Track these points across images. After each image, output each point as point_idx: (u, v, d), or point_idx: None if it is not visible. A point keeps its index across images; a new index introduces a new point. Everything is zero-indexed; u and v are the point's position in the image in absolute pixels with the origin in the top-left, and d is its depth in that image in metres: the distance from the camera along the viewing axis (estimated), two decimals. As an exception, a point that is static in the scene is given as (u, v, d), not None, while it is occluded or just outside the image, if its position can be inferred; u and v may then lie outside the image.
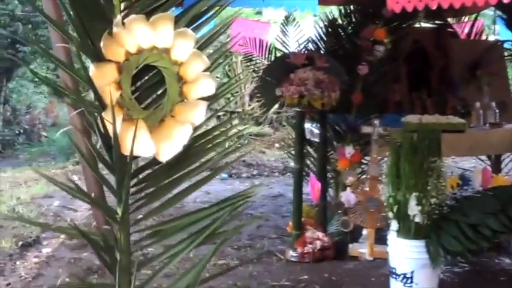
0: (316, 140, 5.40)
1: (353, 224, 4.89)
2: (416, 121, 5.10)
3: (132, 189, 1.84)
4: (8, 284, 4.29)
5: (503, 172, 6.58)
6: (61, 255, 4.84)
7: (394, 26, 5.45)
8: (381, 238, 4.84)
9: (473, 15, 7.14)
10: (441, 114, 5.51)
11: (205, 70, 1.84)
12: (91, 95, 1.73)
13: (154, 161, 1.82)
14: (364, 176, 5.31)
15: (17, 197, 6.72)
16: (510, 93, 6.55)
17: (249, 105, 11.78)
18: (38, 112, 12.81)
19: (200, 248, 1.91)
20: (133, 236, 1.85)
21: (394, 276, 4.07)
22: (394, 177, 4.07)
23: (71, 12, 1.63)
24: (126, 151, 1.69)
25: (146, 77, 1.85)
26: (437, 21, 6.52)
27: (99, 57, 1.69)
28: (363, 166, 5.67)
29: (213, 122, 12.07)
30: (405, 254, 4.04)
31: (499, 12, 7.01)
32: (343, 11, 5.83)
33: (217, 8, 1.88)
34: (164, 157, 1.78)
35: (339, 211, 5.06)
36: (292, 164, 5.52)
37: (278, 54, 5.95)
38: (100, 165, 1.80)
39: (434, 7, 3.87)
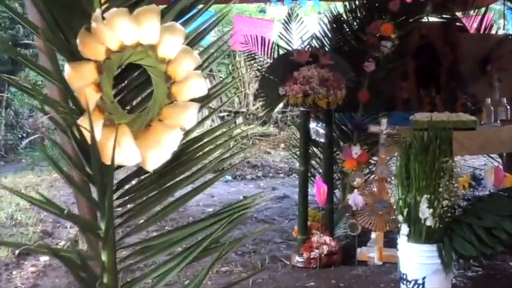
0: (322, 140, 5.22)
1: (361, 227, 4.71)
2: (426, 119, 4.94)
3: (118, 202, 1.66)
4: (4, 295, 4.14)
5: (515, 170, 6.39)
6: (58, 264, 4.67)
7: (401, 20, 5.28)
8: (390, 241, 4.69)
9: (482, 9, 6.95)
10: (451, 111, 5.36)
11: (196, 68, 1.65)
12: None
13: (141, 171, 1.63)
14: (372, 177, 5.13)
15: (16, 203, 6.55)
16: (521, 89, 6.36)
17: (253, 104, 11.60)
18: (41, 115, 12.66)
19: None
20: (119, 253, 1.68)
21: (404, 282, 3.90)
22: (404, 178, 3.90)
23: (40, 4, 1.45)
24: (107, 160, 1.51)
25: (130, 77, 1.67)
26: (445, 15, 6.34)
27: (75, 56, 1.50)
28: (370, 167, 5.50)
29: (215, 123, 11.94)
30: (416, 259, 3.87)
31: (509, 5, 6.82)
32: (347, 6, 5.64)
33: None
34: (151, 166, 1.60)
35: (346, 214, 4.88)
36: (297, 164, 5.35)
37: (281, 52, 5.75)
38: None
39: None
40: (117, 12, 1.58)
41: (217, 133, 1.78)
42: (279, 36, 6.18)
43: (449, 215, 3.84)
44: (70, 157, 1.55)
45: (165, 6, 1.66)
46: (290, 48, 5.79)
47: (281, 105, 4.72)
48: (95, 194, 1.62)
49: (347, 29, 5.65)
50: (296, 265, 4.65)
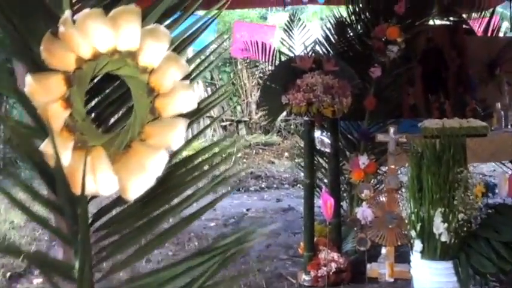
0: (328, 150, 4.98)
1: (371, 241, 4.47)
2: (436, 126, 4.71)
3: (95, 236, 1.42)
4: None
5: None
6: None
7: (407, 23, 5.05)
8: (401, 255, 4.46)
9: (490, 11, 6.75)
10: (460, 117, 5.13)
11: (184, 78, 1.41)
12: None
13: (121, 199, 1.39)
14: (380, 188, 4.89)
15: (10, 221, 6.31)
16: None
17: (256, 113, 11.37)
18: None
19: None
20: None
21: (419, 301, 3.66)
22: (416, 191, 3.67)
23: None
24: (78, 190, 1.27)
25: (106, 91, 1.43)
26: (451, 18, 6.13)
27: (39, 66, 1.27)
28: (379, 177, 5.26)
29: (217, 133, 11.73)
30: (431, 277, 3.65)
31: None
32: (351, 8, 5.41)
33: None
34: (132, 194, 1.36)
35: (355, 228, 4.64)
36: (302, 174, 5.12)
37: (283, 59, 5.52)
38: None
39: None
40: (90, 13, 1.34)
41: (211, 153, 1.54)
42: (281, 42, 5.94)
43: (465, 229, 3.61)
44: (27, 187, 1.30)
45: (148, 6, 1.43)
46: (292, 55, 5.55)
47: (284, 113, 4.50)
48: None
49: (351, 33, 5.42)
50: (303, 284, 4.40)
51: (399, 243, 4.41)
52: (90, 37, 1.34)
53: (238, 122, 11.54)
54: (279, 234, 5.86)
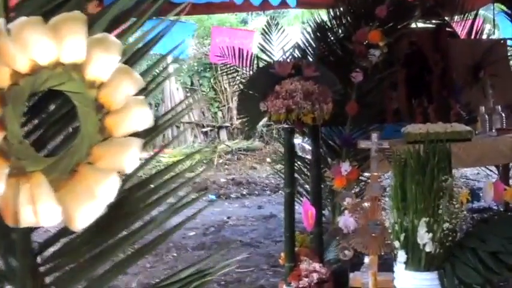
0: (309, 156, 4.85)
1: (353, 250, 4.33)
2: (418, 131, 4.61)
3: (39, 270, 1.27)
4: None
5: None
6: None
7: (389, 27, 4.93)
8: (385, 263, 4.33)
9: (473, 13, 6.66)
10: (444, 121, 5.04)
11: (138, 93, 1.27)
12: None
13: (67, 230, 1.24)
14: (363, 196, 4.76)
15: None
16: (517, 96, 6.08)
17: (238, 118, 11.23)
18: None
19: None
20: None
21: (404, 314, 3.53)
22: (399, 200, 3.54)
23: None
24: (14, 222, 1.12)
25: (47, 109, 1.28)
26: (434, 21, 6.04)
27: (-33, 83, 1.11)
28: (361, 184, 5.13)
29: (198, 140, 11.56)
30: (416, 288, 3.51)
31: (502, 7, 6.55)
32: (332, 12, 5.27)
33: (154, 2, 1.32)
34: (80, 224, 1.21)
35: (337, 238, 4.50)
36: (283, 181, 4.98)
37: (261, 65, 5.37)
38: None
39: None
40: (28, 21, 1.18)
41: (170, 175, 1.40)
42: (259, 47, 5.78)
43: (450, 239, 3.49)
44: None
45: (95, 12, 1.28)
46: (271, 60, 5.40)
47: (266, 118, 4.35)
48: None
49: (332, 38, 5.28)
50: (284, 295, 4.26)
51: (382, 252, 4.29)
52: (27, 48, 1.18)
53: (220, 127, 11.39)
54: (260, 243, 5.72)
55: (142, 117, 1.28)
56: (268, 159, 10.16)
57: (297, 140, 5.43)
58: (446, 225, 3.45)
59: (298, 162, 5.35)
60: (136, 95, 1.28)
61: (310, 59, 5.17)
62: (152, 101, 11.15)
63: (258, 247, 5.58)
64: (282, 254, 4.50)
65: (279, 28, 5.59)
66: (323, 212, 4.86)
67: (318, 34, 5.31)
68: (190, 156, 1.52)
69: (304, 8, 6.45)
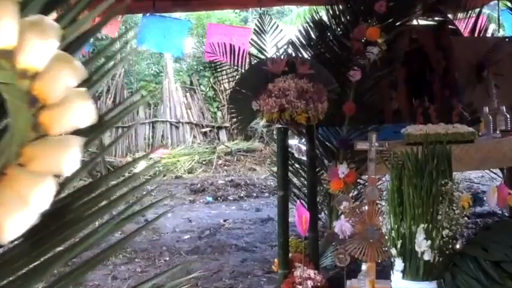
0: (305, 158, 4.67)
1: (350, 257, 4.15)
2: (419, 132, 4.43)
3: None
4: None
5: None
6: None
7: (388, 23, 4.75)
8: (383, 270, 4.15)
9: (476, 11, 6.49)
10: (446, 122, 4.86)
11: (80, 85, 1.08)
12: None
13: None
14: (360, 200, 4.59)
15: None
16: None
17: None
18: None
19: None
20: None
21: (401, 325, 3.36)
22: (396, 205, 3.36)
23: None
24: None
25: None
26: (436, 18, 5.87)
27: None
28: (359, 187, 4.95)
29: (197, 140, 11.41)
30: (414, 299, 3.33)
31: (507, 4, 6.38)
32: (330, 9, 5.09)
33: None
34: (9, 235, 1.03)
35: (333, 243, 4.33)
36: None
37: (254, 62, 5.19)
38: None
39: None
40: None
41: (116, 181, 1.22)
42: (251, 43, 5.59)
43: (450, 247, 3.30)
44: None
45: None
46: (264, 57, 5.21)
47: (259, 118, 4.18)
48: None
49: (329, 34, 5.10)
50: (277, 303, 4.09)
51: (380, 259, 4.11)
52: None
53: (219, 128, 11.22)
54: (255, 247, 5.54)
55: (84, 113, 1.10)
56: (268, 161, 10.00)
57: (294, 141, 5.25)
58: (446, 232, 3.27)
59: (296, 165, 5.18)
60: (79, 86, 1.10)
61: (305, 56, 4.99)
62: (151, 101, 11.00)
63: (253, 252, 5.39)
64: (276, 261, 4.32)
65: (273, 24, 5.41)
66: (320, 216, 4.69)
67: (315, 31, 5.13)
68: (139, 159, 1.34)
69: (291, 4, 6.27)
